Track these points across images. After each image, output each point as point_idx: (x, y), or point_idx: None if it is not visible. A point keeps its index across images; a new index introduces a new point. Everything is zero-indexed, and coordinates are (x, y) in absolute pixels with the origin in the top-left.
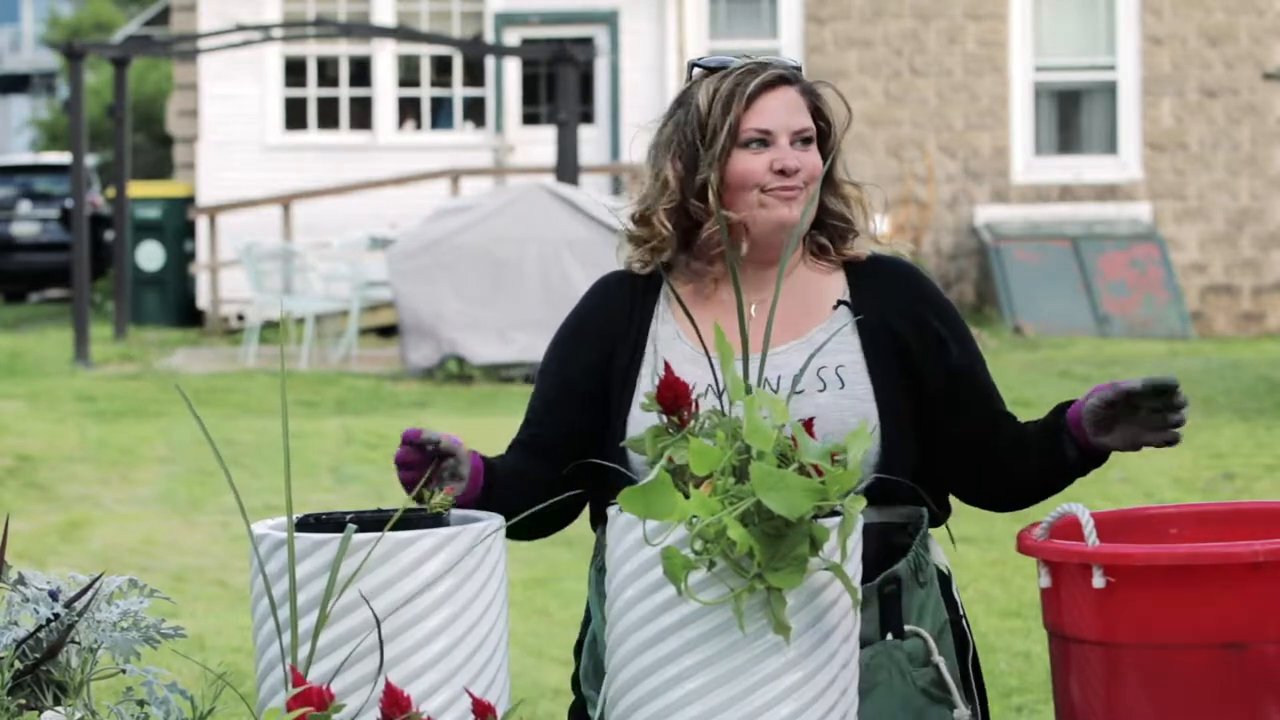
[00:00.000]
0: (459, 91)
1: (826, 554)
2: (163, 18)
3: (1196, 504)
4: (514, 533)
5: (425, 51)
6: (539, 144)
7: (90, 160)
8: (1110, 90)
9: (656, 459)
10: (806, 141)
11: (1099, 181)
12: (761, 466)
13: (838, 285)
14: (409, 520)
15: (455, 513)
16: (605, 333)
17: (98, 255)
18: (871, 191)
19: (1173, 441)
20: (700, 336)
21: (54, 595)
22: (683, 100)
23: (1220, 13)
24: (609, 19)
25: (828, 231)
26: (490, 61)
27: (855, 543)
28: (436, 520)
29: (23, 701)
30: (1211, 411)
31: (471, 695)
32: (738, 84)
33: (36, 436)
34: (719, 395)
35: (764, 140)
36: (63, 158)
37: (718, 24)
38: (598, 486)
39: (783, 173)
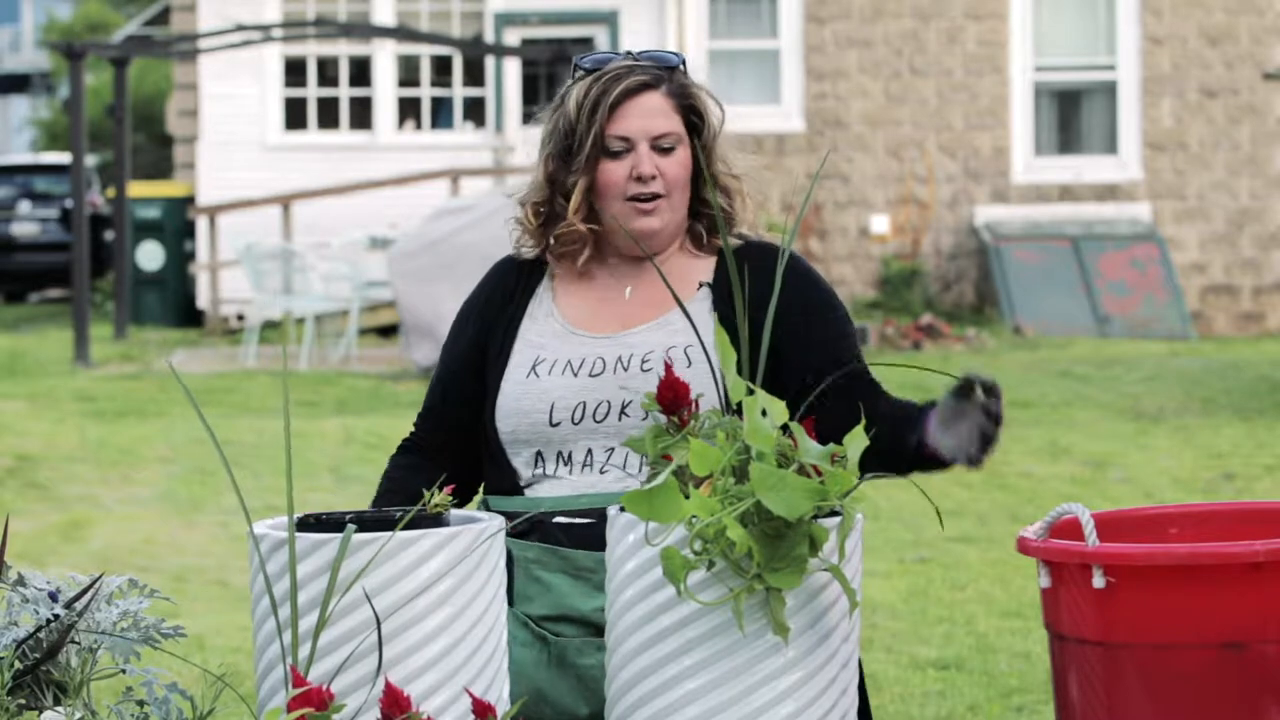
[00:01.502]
0: (459, 91)
1: (825, 554)
2: (163, 18)
3: (1196, 504)
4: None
5: (425, 51)
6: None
7: (90, 160)
8: (1110, 90)
9: (656, 460)
10: (667, 149)
11: (1099, 181)
12: (761, 467)
13: (705, 269)
14: (408, 520)
15: (455, 513)
16: (488, 312)
17: (98, 255)
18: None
19: (971, 461)
20: (683, 312)
21: (54, 596)
22: (563, 98)
23: (1220, 13)
24: (609, 19)
25: (704, 221)
26: (490, 61)
27: (855, 543)
28: (436, 520)
29: (22, 701)
30: (1211, 411)
31: (471, 695)
32: (603, 92)
33: (36, 436)
34: (577, 372)
35: (626, 147)
36: (63, 158)
37: (718, 24)
38: (485, 455)
39: (639, 179)
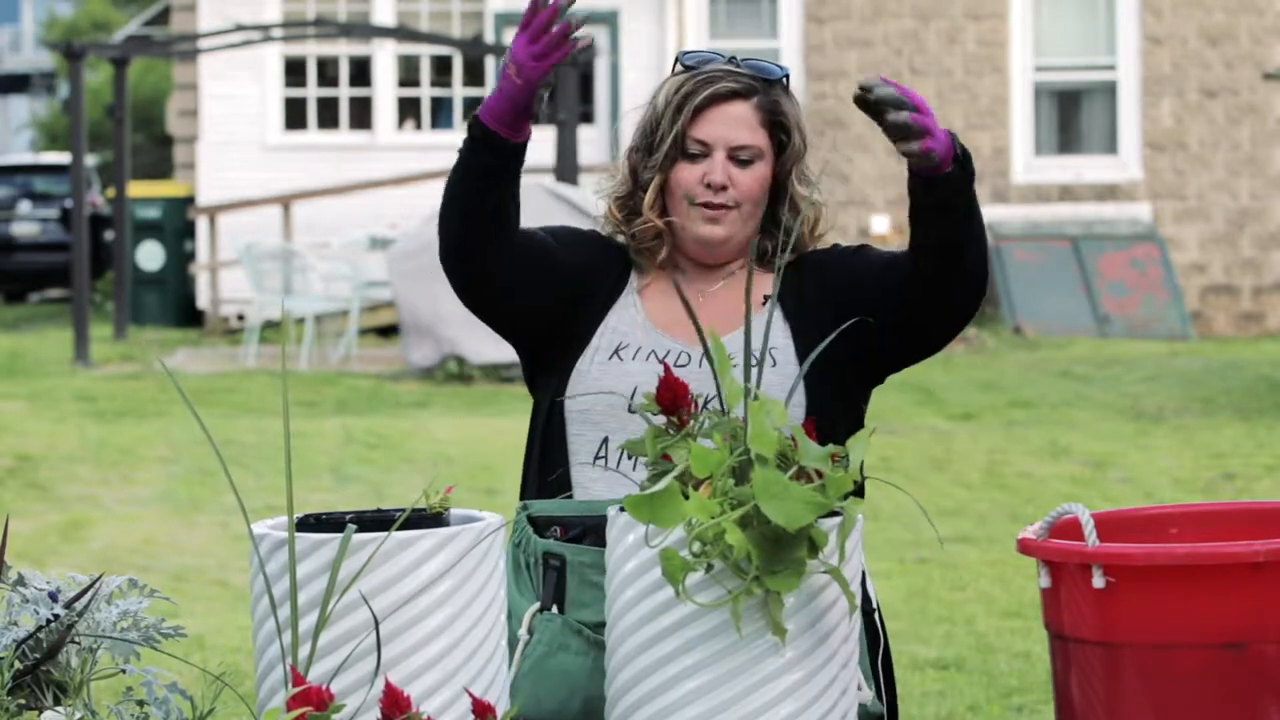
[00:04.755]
0: (459, 91)
1: (825, 555)
2: (163, 18)
3: (1196, 504)
4: (460, 238)
5: (425, 51)
6: (539, 144)
7: (90, 160)
8: (1110, 90)
9: (656, 460)
10: (745, 161)
11: (1099, 181)
12: (765, 474)
13: (766, 285)
14: (409, 520)
15: (455, 512)
16: (593, 269)
17: (98, 255)
18: (862, 191)
19: (899, 132)
20: (693, 316)
21: (54, 596)
22: (659, 89)
23: (1220, 13)
24: (609, 19)
25: (771, 240)
26: (490, 61)
27: (854, 544)
28: (436, 520)
29: (22, 701)
30: (1211, 411)
31: (471, 695)
32: (690, 92)
33: (36, 436)
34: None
35: (703, 152)
36: (63, 158)
37: (718, 24)
38: (532, 446)
39: (709, 186)
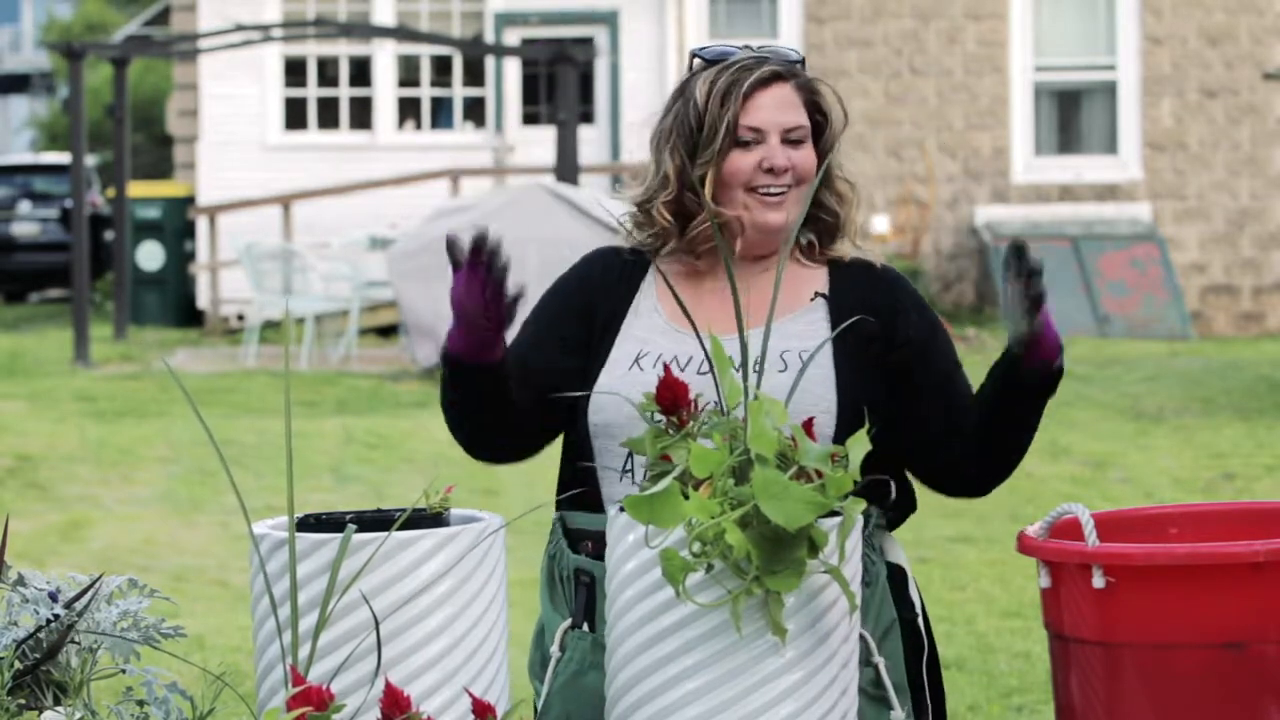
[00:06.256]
0: (459, 91)
1: (825, 555)
2: (163, 18)
3: (1196, 504)
4: (480, 446)
5: (425, 51)
6: (539, 144)
7: (90, 160)
8: (1110, 90)
9: (655, 460)
10: (798, 141)
11: (1099, 181)
12: (765, 474)
13: (818, 279)
14: (409, 520)
15: (455, 512)
16: (591, 297)
17: (98, 255)
18: (864, 190)
19: (1022, 331)
20: (687, 313)
21: (54, 596)
22: (682, 91)
23: (1220, 13)
24: (609, 19)
25: (817, 227)
26: (490, 61)
27: (854, 544)
28: (436, 520)
29: (23, 701)
30: (1211, 411)
31: (471, 695)
32: (734, 80)
33: (36, 436)
34: (691, 369)
35: (756, 139)
36: (63, 158)
37: (718, 24)
38: (565, 461)
39: (770, 171)
